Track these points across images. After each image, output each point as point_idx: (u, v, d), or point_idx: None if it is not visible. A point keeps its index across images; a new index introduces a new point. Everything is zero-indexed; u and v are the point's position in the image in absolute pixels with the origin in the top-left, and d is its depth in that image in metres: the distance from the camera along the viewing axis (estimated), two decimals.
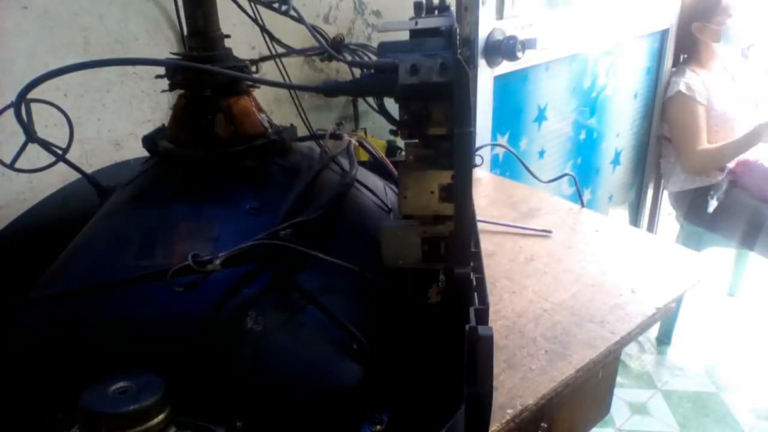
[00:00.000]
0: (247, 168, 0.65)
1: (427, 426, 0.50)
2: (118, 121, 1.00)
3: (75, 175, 0.87)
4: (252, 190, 0.63)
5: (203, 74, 0.62)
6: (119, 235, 0.60)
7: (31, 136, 0.55)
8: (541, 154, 1.85)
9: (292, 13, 0.64)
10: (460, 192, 0.51)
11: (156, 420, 0.42)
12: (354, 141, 0.86)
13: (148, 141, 0.70)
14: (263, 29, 0.72)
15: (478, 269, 0.58)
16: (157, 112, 1.04)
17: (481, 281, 0.56)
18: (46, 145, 0.58)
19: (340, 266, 0.56)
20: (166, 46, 1.04)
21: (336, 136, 0.84)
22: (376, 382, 0.53)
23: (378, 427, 0.50)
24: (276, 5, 0.66)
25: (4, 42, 0.89)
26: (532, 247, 1.09)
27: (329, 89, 0.55)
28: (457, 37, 0.52)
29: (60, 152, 0.59)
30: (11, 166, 0.56)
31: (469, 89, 0.49)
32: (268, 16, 0.74)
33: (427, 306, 0.58)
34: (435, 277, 0.57)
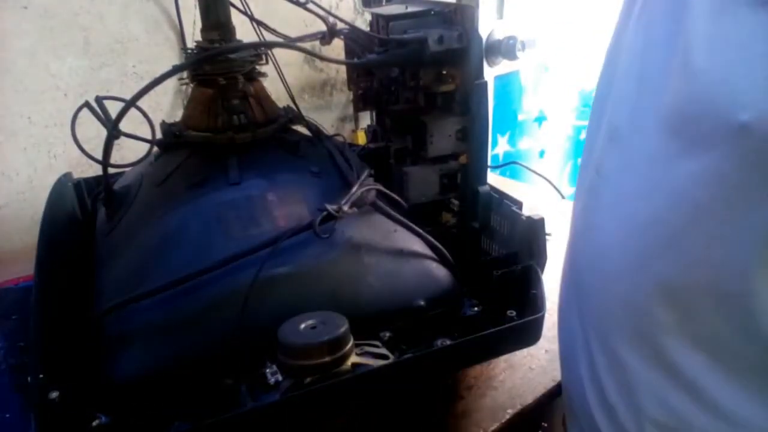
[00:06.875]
0: (290, 142, 0.70)
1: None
2: None
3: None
4: (303, 159, 0.69)
5: (231, 63, 0.66)
6: (207, 218, 0.60)
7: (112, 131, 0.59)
8: (541, 154, 1.85)
9: None
10: (477, 127, 0.64)
11: (348, 346, 0.51)
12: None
13: (170, 135, 0.70)
14: (252, 18, 0.71)
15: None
16: (157, 111, 1.04)
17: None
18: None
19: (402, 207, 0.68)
20: (166, 46, 1.04)
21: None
22: (457, 279, 0.65)
23: (476, 309, 0.64)
24: None
25: (4, 42, 0.90)
26: None
27: (371, 63, 0.66)
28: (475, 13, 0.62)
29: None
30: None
31: (482, 51, 0.62)
32: (262, 12, 0.74)
33: (445, 227, 0.73)
34: (445, 205, 0.73)
